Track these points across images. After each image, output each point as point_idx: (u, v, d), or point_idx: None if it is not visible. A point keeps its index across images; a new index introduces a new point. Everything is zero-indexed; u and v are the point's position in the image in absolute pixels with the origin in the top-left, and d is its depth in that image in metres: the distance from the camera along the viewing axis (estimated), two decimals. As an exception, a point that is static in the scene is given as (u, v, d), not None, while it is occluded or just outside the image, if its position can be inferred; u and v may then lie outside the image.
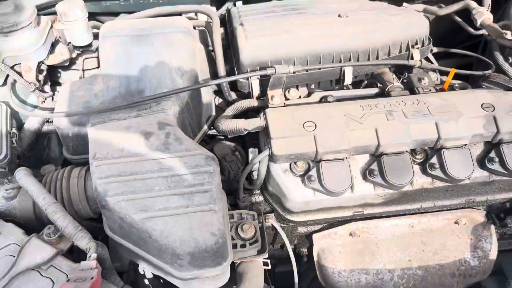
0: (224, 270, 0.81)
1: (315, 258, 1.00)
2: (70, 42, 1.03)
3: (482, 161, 0.91)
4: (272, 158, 0.89)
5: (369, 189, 0.90)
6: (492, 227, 1.02)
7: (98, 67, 1.18)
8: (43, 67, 1.05)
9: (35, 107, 1.08)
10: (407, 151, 0.88)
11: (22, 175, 0.88)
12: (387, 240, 0.99)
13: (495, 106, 0.91)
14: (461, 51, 1.24)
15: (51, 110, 1.03)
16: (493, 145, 0.91)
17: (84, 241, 0.80)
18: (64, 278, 0.77)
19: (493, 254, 1.00)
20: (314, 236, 0.99)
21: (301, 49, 0.99)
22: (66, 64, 1.11)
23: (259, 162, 0.91)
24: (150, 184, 0.78)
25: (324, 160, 0.87)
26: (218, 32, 1.06)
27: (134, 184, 0.78)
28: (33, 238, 0.82)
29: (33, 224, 0.91)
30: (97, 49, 1.13)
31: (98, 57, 1.17)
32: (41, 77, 1.04)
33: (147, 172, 0.79)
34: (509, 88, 0.99)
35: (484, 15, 1.19)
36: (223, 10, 1.21)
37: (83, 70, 1.19)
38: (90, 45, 1.09)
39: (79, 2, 0.98)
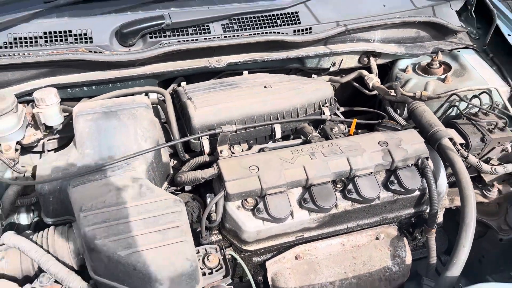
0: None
1: (270, 283, 1.18)
2: (44, 123, 1.21)
3: (386, 185, 1.19)
4: (227, 197, 1.10)
5: (305, 215, 1.13)
6: (405, 238, 1.28)
7: (57, 148, 1.36)
8: (18, 146, 1.21)
9: (10, 182, 1.22)
10: (329, 181, 1.14)
11: (11, 236, 1.01)
12: (326, 259, 1.21)
13: (388, 142, 1.21)
14: (361, 108, 1.58)
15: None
16: (391, 172, 1.20)
17: (76, 282, 0.93)
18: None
19: (409, 260, 1.25)
20: (267, 263, 1.18)
21: (240, 113, 1.25)
22: (37, 143, 1.28)
23: (216, 203, 1.12)
24: (131, 226, 0.96)
25: (268, 194, 1.10)
26: (170, 104, 1.30)
27: (117, 227, 0.95)
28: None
29: (19, 281, 1.02)
30: (57, 131, 1.31)
31: (58, 138, 1.35)
32: (16, 155, 1.20)
33: (127, 217, 0.97)
34: (396, 130, 1.32)
35: (373, 79, 1.55)
36: (169, 90, 1.46)
37: (46, 151, 1.35)
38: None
39: (53, 89, 1.18)
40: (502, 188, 1.37)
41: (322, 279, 1.18)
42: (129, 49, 1.30)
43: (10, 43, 1.23)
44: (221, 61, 1.38)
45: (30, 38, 1.24)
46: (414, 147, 1.20)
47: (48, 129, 1.24)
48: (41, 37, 1.24)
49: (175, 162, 1.33)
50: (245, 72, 1.50)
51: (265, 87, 1.32)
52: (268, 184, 1.09)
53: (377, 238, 1.25)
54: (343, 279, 1.19)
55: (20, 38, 1.23)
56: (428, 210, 1.24)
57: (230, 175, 1.10)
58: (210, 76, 1.52)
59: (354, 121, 1.30)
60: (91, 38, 1.27)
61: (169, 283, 0.92)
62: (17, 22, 1.23)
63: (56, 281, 0.96)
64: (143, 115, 1.17)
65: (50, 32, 1.25)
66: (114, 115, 1.15)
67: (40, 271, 1.00)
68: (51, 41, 1.24)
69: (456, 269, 1.05)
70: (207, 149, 1.24)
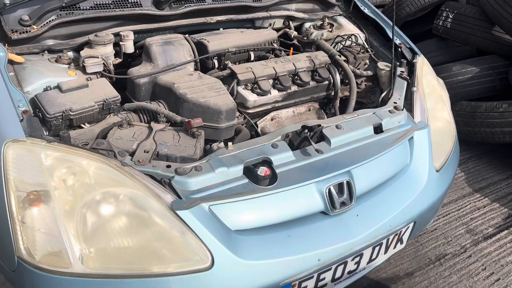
0: (234, 123, 1.93)
1: (260, 131, 2.17)
2: (124, 52, 2.05)
3: (312, 77, 2.28)
4: (238, 83, 2.07)
5: (275, 92, 2.15)
6: (322, 110, 2.38)
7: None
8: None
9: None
10: (286, 74, 2.18)
11: (131, 103, 1.86)
12: (286, 119, 2.24)
13: (311, 56, 2.30)
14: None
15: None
16: (314, 70, 2.29)
17: (178, 118, 1.82)
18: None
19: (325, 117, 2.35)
20: (258, 122, 2.17)
21: (232, 44, 2.22)
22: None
23: (232, 88, 2.07)
24: (202, 89, 1.88)
25: (258, 81, 2.10)
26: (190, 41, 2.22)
27: (195, 90, 1.87)
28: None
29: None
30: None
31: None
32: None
33: (198, 86, 1.89)
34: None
35: (293, 32, 2.64)
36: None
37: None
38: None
39: (130, 31, 2.03)
40: (366, 83, 2.56)
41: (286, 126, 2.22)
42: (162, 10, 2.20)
43: (94, 6, 2.04)
44: (213, 19, 2.34)
45: (106, 3, 2.07)
46: (323, 58, 2.32)
47: (125, 57, 2.08)
48: (112, 3, 2.08)
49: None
50: (221, 29, 2.48)
51: (241, 32, 2.33)
52: (258, 75, 2.09)
53: (309, 110, 2.34)
54: (296, 123, 2.23)
55: (99, 4, 2.05)
56: (333, 93, 2.36)
57: (239, 71, 2.08)
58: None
59: (291, 48, 2.39)
60: (140, 4, 2.14)
61: (226, 113, 1.86)
62: (94, -6, 2.06)
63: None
64: (185, 43, 2.09)
65: (115, 1, 2.09)
66: (170, 43, 2.05)
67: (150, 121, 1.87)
68: (117, 6, 2.09)
69: (350, 108, 2.19)
70: (216, 65, 2.20)
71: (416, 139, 2.07)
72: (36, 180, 1.42)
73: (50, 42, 1.98)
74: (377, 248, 1.87)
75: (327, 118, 2.32)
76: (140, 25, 2.15)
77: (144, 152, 1.63)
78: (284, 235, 1.64)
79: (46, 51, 1.95)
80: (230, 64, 2.16)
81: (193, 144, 1.72)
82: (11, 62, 1.78)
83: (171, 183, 1.54)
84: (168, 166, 1.57)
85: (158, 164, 1.58)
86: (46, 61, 1.91)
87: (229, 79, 2.10)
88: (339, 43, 2.61)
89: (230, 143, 1.71)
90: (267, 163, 1.71)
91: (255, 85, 2.09)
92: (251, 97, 2.08)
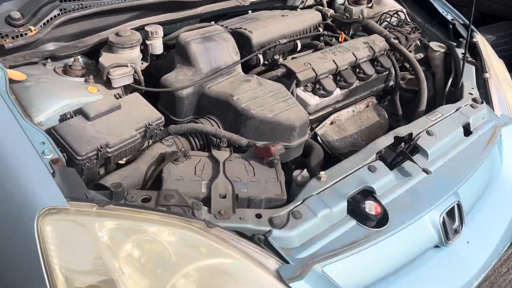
0: (306, 138, 1.54)
1: (320, 140, 1.78)
2: (151, 53, 1.56)
3: (373, 67, 1.90)
4: (298, 84, 1.66)
5: (338, 90, 1.77)
6: (379, 105, 2.03)
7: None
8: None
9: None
10: (348, 67, 1.79)
11: (178, 125, 1.41)
12: (346, 121, 1.87)
13: (368, 41, 1.91)
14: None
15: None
16: (373, 59, 1.91)
17: (243, 141, 1.40)
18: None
19: (385, 115, 2.00)
20: (316, 130, 1.78)
21: (277, 33, 1.80)
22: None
23: (292, 92, 1.66)
24: (267, 100, 1.46)
25: (320, 79, 1.70)
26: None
27: (260, 102, 1.45)
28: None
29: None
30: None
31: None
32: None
33: (262, 96, 1.47)
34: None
35: (330, 11, 2.22)
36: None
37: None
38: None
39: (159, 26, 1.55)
40: (419, 68, 2.22)
41: (348, 132, 1.85)
42: (188, -5, 1.71)
43: (106, -6, 1.52)
44: (246, 1, 1.88)
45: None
46: (381, 43, 1.94)
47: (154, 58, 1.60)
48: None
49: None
50: (249, 11, 2.02)
51: (282, 16, 1.89)
52: (319, 72, 1.69)
53: (367, 106, 1.98)
54: (358, 131, 1.87)
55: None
56: (392, 84, 2.01)
57: (297, 69, 1.66)
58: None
59: (342, 33, 1.98)
60: (163, -11, 1.64)
61: (299, 128, 1.47)
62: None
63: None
64: (228, 37, 1.63)
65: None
66: (211, 38, 1.59)
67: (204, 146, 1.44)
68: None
69: (423, 104, 1.84)
70: (261, 61, 1.76)
71: (503, 137, 1.78)
72: (93, 266, 0.99)
73: (51, 46, 1.47)
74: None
75: (394, 118, 1.98)
76: (163, 15, 1.67)
77: (220, 197, 1.21)
78: (403, 285, 1.31)
79: (48, 59, 1.44)
80: (281, 60, 1.74)
81: (274, 177, 1.32)
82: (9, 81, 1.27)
83: (268, 240, 1.15)
84: (258, 216, 1.18)
85: (245, 214, 1.17)
86: (52, 73, 1.40)
87: (285, 79, 1.68)
88: (385, 22, 2.23)
89: (322, 173, 1.32)
90: (369, 193, 1.35)
91: (317, 85, 1.69)
92: (313, 100, 1.69)
